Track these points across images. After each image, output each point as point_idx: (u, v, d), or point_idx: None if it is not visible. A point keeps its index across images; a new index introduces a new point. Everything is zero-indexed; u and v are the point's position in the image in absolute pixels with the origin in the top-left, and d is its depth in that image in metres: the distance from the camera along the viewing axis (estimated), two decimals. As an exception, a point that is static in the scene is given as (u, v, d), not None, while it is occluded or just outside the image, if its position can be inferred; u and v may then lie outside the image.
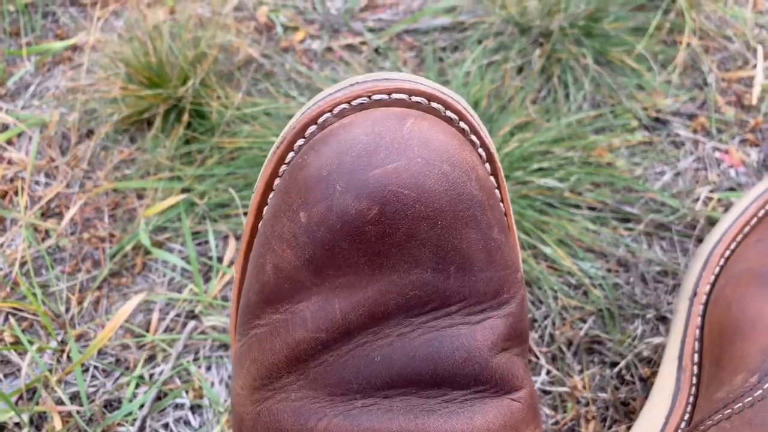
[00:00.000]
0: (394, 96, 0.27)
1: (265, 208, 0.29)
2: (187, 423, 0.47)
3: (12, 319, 0.51)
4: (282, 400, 0.27)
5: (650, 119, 0.66)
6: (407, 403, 0.26)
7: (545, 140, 0.61)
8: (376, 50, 0.71)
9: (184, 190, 0.58)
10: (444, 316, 0.27)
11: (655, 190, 0.60)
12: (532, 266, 0.54)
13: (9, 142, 0.63)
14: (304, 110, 0.28)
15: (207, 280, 0.53)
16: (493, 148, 0.29)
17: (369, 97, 0.27)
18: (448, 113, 0.27)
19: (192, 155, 0.60)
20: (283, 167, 0.28)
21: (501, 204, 0.29)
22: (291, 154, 0.28)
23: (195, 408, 0.47)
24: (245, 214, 0.56)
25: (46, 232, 0.57)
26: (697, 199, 0.60)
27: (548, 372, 0.50)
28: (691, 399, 0.42)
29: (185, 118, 0.60)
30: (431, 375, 0.26)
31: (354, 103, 0.27)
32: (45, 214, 0.58)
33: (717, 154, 0.64)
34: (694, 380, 0.42)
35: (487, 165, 0.29)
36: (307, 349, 0.27)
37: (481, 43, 0.69)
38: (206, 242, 0.56)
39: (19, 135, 0.64)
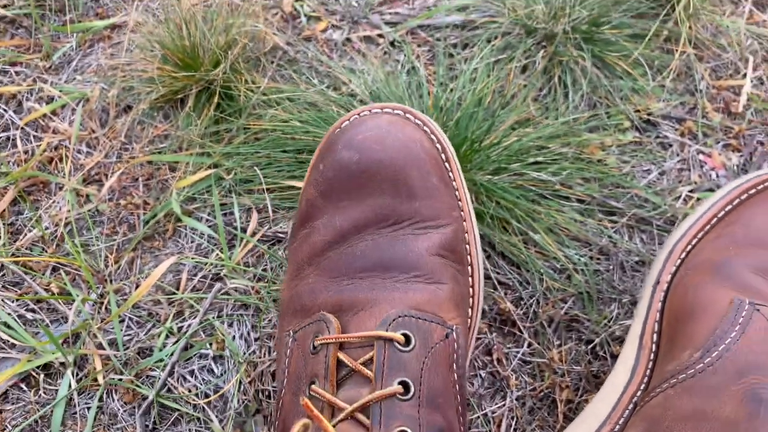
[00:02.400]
0: (386, 110, 0.45)
1: None
2: (210, 371, 0.54)
3: (62, 272, 0.58)
4: (303, 284, 0.42)
5: (642, 121, 0.71)
6: (372, 282, 0.40)
7: (542, 136, 0.66)
8: (392, 43, 0.76)
9: (213, 166, 0.64)
10: (399, 228, 0.42)
11: (640, 187, 0.66)
12: (521, 250, 0.60)
13: (53, 112, 0.69)
14: (348, 115, 0.46)
15: (231, 247, 0.60)
16: (447, 145, 0.46)
17: (370, 111, 0.45)
18: (417, 121, 0.45)
19: (221, 134, 0.66)
20: None
21: (450, 175, 0.45)
22: None
23: (217, 358, 0.54)
24: (268, 190, 0.62)
25: (87, 196, 0.63)
26: (679, 197, 0.66)
27: (530, 345, 0.57)
28: (648, 372, 0.48)
29: (215, 99, 0.66)
30: (388, 263, 0.41)
31: (363, 113, 0.45)
32: (86, 181, 0.65)
33: (701, 157, 0.69)
34: (652, 356, 0.48)
35: (443, 155, 0.45)
36: (320, 248, 0.42)
37: (489, 42, 0.75)
38: (231, 213, 0.62)
39: (63, 107, 0.70)
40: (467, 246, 0.46)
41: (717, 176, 0.68)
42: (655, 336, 0.49)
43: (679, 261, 0.52)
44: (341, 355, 0.37)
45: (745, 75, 0.76)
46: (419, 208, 0.42)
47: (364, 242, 0.41)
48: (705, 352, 0.43)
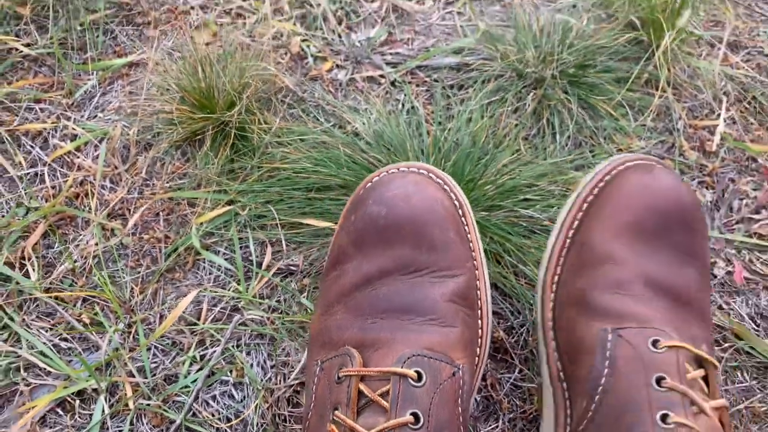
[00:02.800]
0: (411, 169, 0.51)
1: None
2: (231, 396, 0.59)
3: (96, 306, 0.63)
4: (332, 320, 0.48)
5: (623, 159, 0.77)
6: (391, 323, 0.46)
7: (532, 174, 0.72)
8: (393, 83, 0.82)
9: (230, 202, 0.69)
10: (419, 276, 0.48)
11: (622, 223, 0.71)
12: (513, 282, 0.66)
13: (78, 149, 0.74)
14: (378, 172, 0.52)
15: (247, 279, 0.65)
16: (464, 201, 0.52)
17: (398, 169, 0.52)
18: (438, 180, 0.51)
19: (236, 172, 0.71)
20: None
21: (465, 228, 0.51)
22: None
23: (237, 385, 0.59)
24: (281, 225, 0.67)
25: (112, 231, 0.69)
26: (657, 232, 0.72)
27: (520, 371, 0.62)
28: (569, 412, 0.48)
29: (231, 140, 0.71)
30: (407, 306, 0.46)
31: (391, 171, 0.51)
32: (111, 215, 0.70)
33: (677, 193, 0.75)
34: (567, 394, 0.49)
35: (460, 210, 0.51)
36: (348, 289, 0.48)
37: (483, 83, 0.81)
38: (247, 247, 0.67)
39: (86, 143, 0.75)
40: (478, 292, 0.51)
41: (692, 212, 0.74)
42: (561, 374, 0.50)
43: (552, 295, 0.52)
44: (362, 386, 0.42)
45: (719, 115, 0.82)
46: (437, 260, 0.48)
47: (387, 287, 0.47)
48: (589, 400, 0.44)
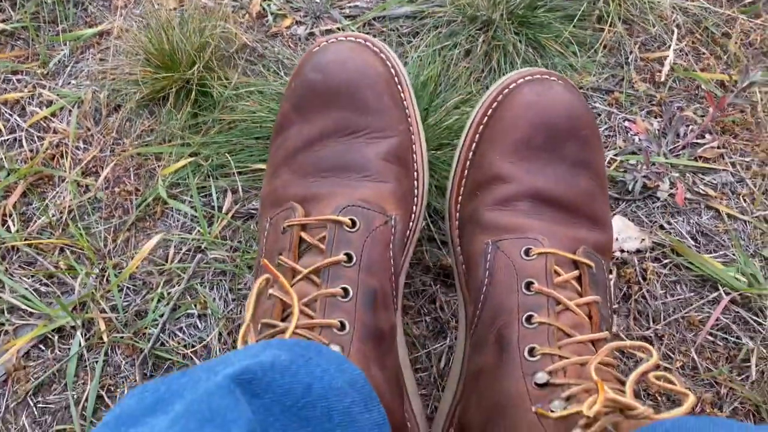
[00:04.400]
0: (349, 38, 0.54)
1: None
2: (195, 327, 0.64)
3: (68, 252, 0.68)
4: (278, 182, 0.52)
5: (573, 94, 0.80)
6: (331, 180, 0.50)
7: (482, 113, 0.75)
8: (350, 35, 0.85)
9: (193, 154, 0.73)
10: (355, 138, 0.51)
11: (570, 154, 0.74)
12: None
13: (53, 114, 0.79)
14: (318, 41, 0.55)
15: (210, 224, 0.70)
16: (401, 69, 0.55)
17: (336, 39, 0.54)
18: (374, 48, 0.54)
19: (199, 126, 0.75)
20: None
21: (401, 95, 0.54)
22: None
23: (201, 316, 0.64)
24: (240, 173, 0.72)
25: (86, 186, 0.73)
26: (605, 161, 0.75)
27: (468, 294, 0.66)
28: (469, 319, 0.51)
29: (193, 96, 0.75)
30: (345, 165, 0.50)
31: (330, 40, 0.54)
32: (84, 173, 0.74)
33: (626, 124, 0.78)
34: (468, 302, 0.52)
35: (396, 78, 0.54)
36: (291, 152, 0.52)
37: (436, 29, 0.83)
38: (210, 195, 0.72)
39: (61, 109, 0.79)
40: (414, 155, 0.55)
41: (639, 140, 0.77)
42: (465, 285, 0.53)
43: (457, 214, 0.56)
44: (303, 234, 0.47)
45: (669, 46, 0.84)
46: (371, 121, 0.52)
47: (327, 148, 0.51)
48: (475, 307, 0.48)
